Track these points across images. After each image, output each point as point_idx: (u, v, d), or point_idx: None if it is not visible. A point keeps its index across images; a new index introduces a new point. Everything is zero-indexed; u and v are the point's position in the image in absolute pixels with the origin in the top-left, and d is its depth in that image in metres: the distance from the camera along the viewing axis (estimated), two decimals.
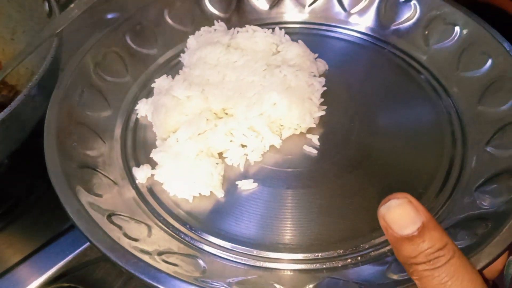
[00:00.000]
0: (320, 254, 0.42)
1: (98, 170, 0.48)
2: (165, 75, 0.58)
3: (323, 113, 0.54)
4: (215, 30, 0.63)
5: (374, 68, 0.61)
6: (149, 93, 0.58)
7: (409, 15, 0.62)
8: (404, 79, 0.59)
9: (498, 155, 0.47)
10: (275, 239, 0.44)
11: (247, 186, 0.48)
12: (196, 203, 0.47)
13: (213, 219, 0.46)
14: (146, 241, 0.42)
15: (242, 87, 0.53)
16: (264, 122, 0.51)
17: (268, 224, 0.45)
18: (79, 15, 0.55)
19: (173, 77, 0.57)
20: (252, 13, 0.67)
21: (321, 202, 0.46)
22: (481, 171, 0.46)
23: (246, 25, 0.62)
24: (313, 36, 0.65)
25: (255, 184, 0.48)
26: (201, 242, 0.44)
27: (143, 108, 0.56)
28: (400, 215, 0.32)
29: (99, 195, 0.45)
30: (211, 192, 0.48)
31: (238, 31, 0.61)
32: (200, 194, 0.48)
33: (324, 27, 0.66)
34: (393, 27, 0.63)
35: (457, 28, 0.58)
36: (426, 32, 0.60)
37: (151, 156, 0.50)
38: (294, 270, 0.42)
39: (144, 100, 0.56)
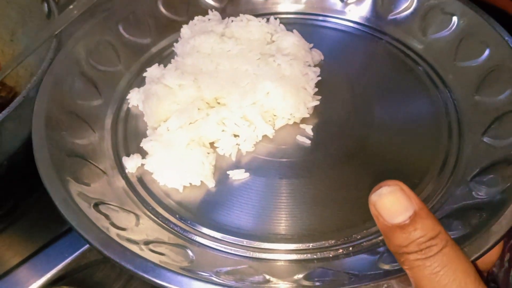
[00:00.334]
0: (311, 244, 0.42)
1: (87, 159, 0.47)
2: (157, 64, 0.57)
3: (317, 103, 0.53)
4: (209, 19, 0.62)
5: (370, 58, 0.60)
6: (141, 83, 0.57)
7: (406, 5, 0.61)
8: (401, 69, 0.58)
9: (494, 145, 0.46)
10: (267, 229, 0.43)
11: (238, 176, 0.47)
12: (187, 193, 0.47)
13: (203, 209, 0.45)
14: (134, 230, 0.41)
15: (236, 76, 0.52)
16: (257, 111, 0.50)
17: (259, 214, 0.44)
18: (79, 16, 0.55)
19: (165, 66, 0.57)
20: (247, 3, 0.66)
21: (314, 192, 0.45)
22: (477, 161, 0.45)
23: (241, 14, 0.61)
24: (308, 27, 0.64)
25: (247, 174, 0.47)
26: (190, 232, 0.43)
27: (134, 98, 0.55)
28: (392, 202, 0.31)
29: (87, 184, 0.44)
30: (201, 182, 0.47)
31: (232, 20, 0.60)
32: (190, 184, 0.47)
33: (320, 17, 0.65)
34: (390, 17, 0.62)
35: (454, 18, 0.57)
36: (424, 22, 0.59)
37: (141, 145, 0.49)
38: (285, 260, 0.41)
39: (136, 89, 0.55)
